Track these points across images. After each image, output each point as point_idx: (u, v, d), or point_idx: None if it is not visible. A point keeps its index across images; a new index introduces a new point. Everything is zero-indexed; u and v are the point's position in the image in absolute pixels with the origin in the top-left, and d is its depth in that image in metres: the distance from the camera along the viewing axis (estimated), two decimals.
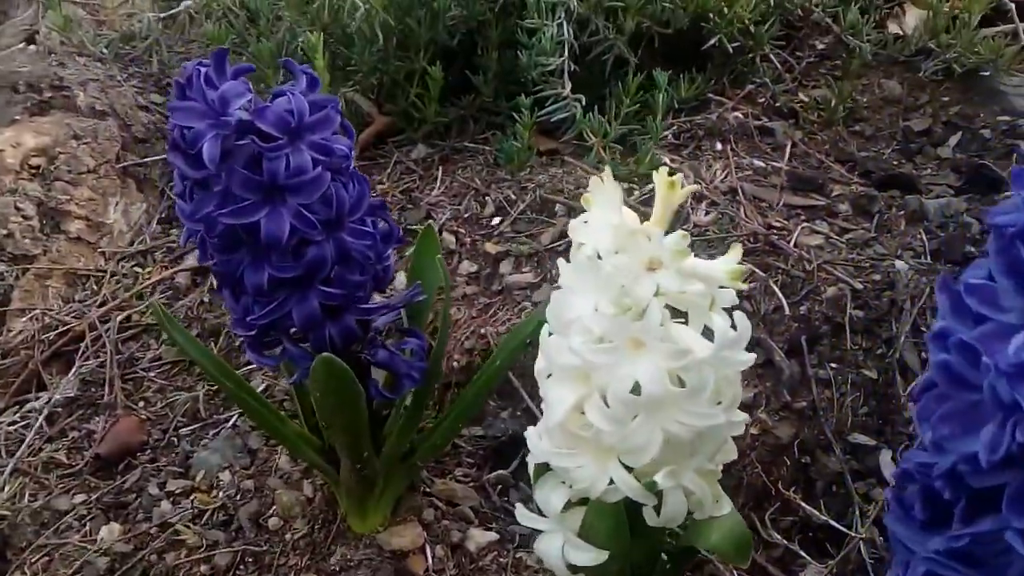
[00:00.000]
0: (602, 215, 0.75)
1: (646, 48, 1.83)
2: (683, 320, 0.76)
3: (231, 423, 1.39)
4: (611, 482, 0.76)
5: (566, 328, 0.75)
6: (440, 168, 1.83)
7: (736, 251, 0.76)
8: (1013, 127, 1.75)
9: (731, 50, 1.83)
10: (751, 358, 0.76)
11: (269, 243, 0.83)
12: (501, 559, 1.17)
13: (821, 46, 2.04)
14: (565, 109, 1.71)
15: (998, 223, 0.52)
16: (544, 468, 0.85)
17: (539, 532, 0.85)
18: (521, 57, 1.72)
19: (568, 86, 1.71)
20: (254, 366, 1.47)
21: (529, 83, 1.75)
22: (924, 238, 1.48)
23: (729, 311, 0.77)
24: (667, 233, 0.73)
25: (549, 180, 1.71)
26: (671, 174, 0.74)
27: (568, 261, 0.78)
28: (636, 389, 0.73)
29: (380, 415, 1.14)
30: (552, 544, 0.83)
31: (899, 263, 1.42)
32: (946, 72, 1.88)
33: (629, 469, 0.77)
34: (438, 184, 1.79)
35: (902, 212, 1.56)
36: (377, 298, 1.02)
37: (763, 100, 1.89)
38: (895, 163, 1.73)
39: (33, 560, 1.23)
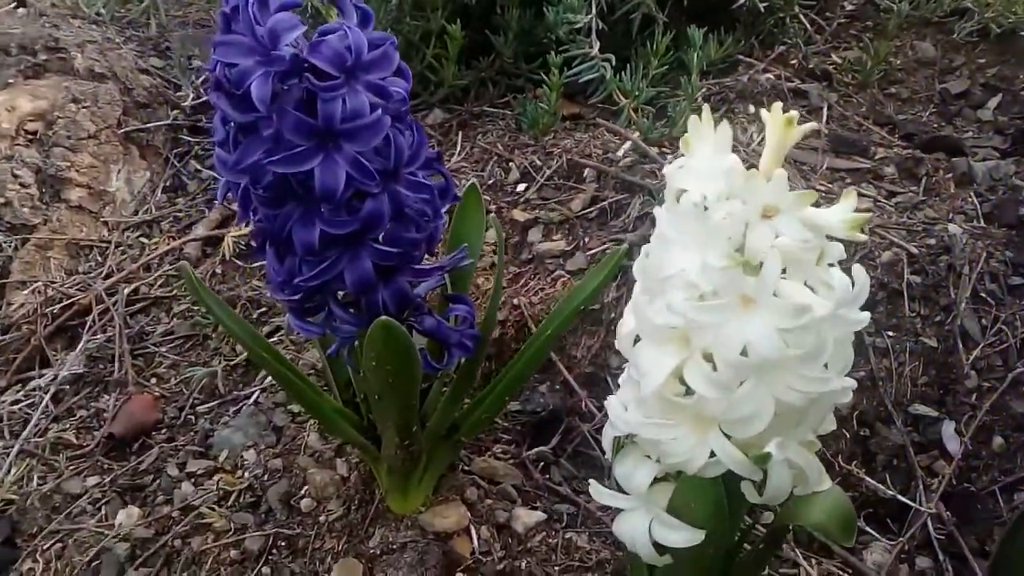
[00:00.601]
0: (706, 159, 0.67)
1: (674, 7, 1.75)
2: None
3: (252, 399, 1.30)
4: (711, 455, 0.69)
5: (663, 285, 0.68)
6: (459, 133, 1.75)
7: (851, 197, 0.68)
8: None
9: (762, 9, 1.76)
10: (866, 317, 0.69)
11: (324, 195, 0.75)
12: (550, 540, 1.10)
13: (851, 7, 1.97)
14: (593, 70, 1.64)
15: None
16: (622, 441, 0.78)
17: (618, 511, 0.78)
18: (547, 14, 1.63)
19: (596, 45, 1.63)
20: (274, 339, 1.39)
21: (552, 43, 1.67)
22: (976, 201, 1.42)
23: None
24: None
25: (575, 145, 1.63)
26: (785, 111, 0.66)
27: (657, 212, 0.71)
28: (743, 352, 0.66)
29: (422, 391, 1.06)
30: (637, 523, 0.76)
31: (952, 227, 1.35)
32: (981, 33, 1.81)
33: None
34: (458, 150, 1.71)
35: (950, 175, 1.49)
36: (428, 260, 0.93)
37: (794, 62, 1.82)
38: (935, 126, 1.67)
39: (45, 547, 1.14)
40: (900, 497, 1.14)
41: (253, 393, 1.31)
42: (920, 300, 1.28)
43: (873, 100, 1.73)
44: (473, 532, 1.09)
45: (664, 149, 1.58)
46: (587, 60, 1.62)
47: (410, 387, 0.89)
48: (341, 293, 0.87)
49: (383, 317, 0.78)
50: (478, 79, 1.81)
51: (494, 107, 1.80)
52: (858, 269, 0.68)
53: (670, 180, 0.69)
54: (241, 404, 1.30)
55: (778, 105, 0.66)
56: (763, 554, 0.82)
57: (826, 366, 0.69)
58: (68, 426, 1.33)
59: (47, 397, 1.35)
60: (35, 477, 1.24)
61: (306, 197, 0.77)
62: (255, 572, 1.06)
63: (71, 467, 1.26)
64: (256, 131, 0.74)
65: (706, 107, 0.70)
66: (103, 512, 1.18)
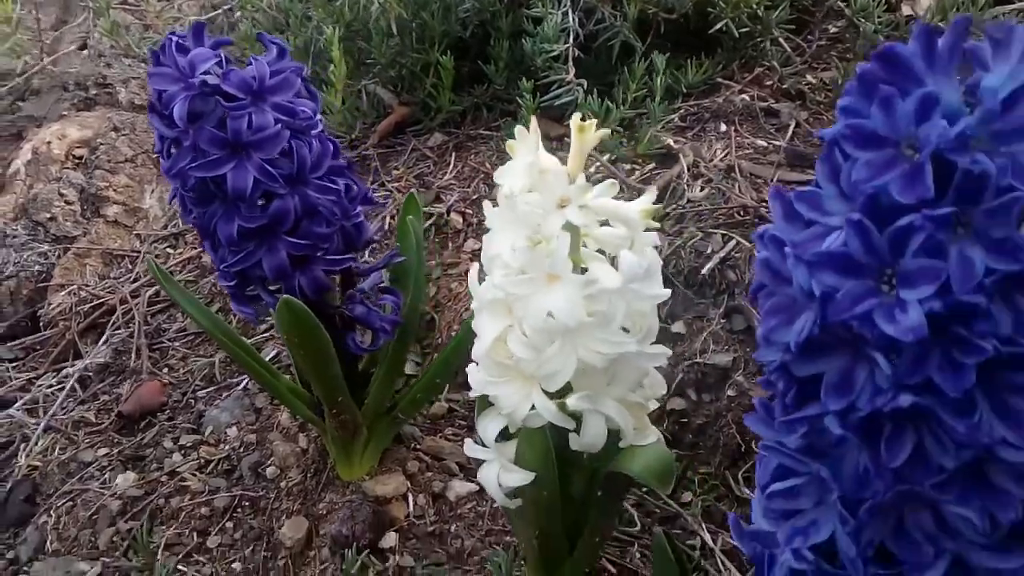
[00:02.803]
0: (522, 159, 0.81)
1: (654, 34, 1.88)
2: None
3: (242, 386, 1.48)
4: (533, 408, 0.82)
5: (490, 264, 0.82)
6: (453, 154, 1.91)
7: (650, 192, 0.81)
8: None
9: (738, 35, 1.87)
10: (664, 293, 0.81)
11: (235, 195, 0.92)
12: (479, 508, 1.24)
13: (834, 30, 2.06)
14: (568, 93, 1.78)
15: (822, 134, 0.56)
16: (485, 402, 0.91)
17: (482, 462, 0.92)
18: (526, 45, 1.79)
19: (572, 71, 1.77)
20: (267, 334, 1.57)
21: (537, 70, 1.82)
22: None
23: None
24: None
25: None
26: (583, 119, 0.80)
27: (485, 206, 0.85)
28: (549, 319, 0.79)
29: (367, 373, 1.22)
30: (491, 471, 0.89)
31: None
32: None
33: (554, 397, 0.83)
34: (450, 169, 1.87)
35: None
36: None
37: (771, 83, 1.92)
38: None
39: (59, 504, 1.34)
40: None
41: (243, 380, 1.49)
42: None
43: None
44: (410, 498, 1.24)
45: (635, 165, 1.71)
46: (563, 85, 1.77)
47: (320, 358, 1.04)
48: (268, 280, 1.04)
49: (285, 296, 0.95)
50: (473, 104, 1.98)
51: (488, 130, 1.96)
52: (652, 252, 0.81)
53: (496, 179, 0.83)
54: (232, 390, 1.49)
55: (577, 115, 0.80)
56: (604, 500, 0.94)
57: (627, 332, 0.82)
58: (91, 407, 1.54)
59: (73, 381, 1.56)
60: (57, 448, 1.45)
61: (224, 197, 0.94)
62: (220, 525, 1.23)
63: (87, 441, 1.46)
64: (181, 144, 0.92)
65: (533, 119, 0.84)
66: (106, 476, 1.37)
